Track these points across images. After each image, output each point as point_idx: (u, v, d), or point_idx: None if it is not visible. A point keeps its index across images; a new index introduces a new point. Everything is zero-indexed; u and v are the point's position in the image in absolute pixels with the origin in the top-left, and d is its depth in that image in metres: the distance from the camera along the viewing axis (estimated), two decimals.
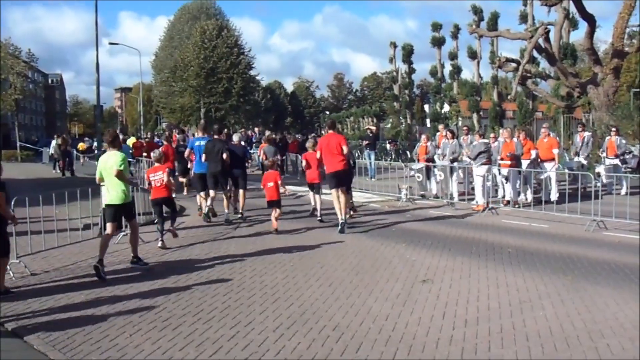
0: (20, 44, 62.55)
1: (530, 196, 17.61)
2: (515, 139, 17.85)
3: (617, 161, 19.44)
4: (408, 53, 49.15)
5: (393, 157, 32.25)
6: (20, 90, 57.78)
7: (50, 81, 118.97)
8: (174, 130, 40.06)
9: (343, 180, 14.19)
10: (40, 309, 8.20)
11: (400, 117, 49.83)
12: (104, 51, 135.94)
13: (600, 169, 18.77)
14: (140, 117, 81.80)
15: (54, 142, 34.87)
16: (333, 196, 14.00)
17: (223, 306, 8.31)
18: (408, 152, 34.10)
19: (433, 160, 19.98)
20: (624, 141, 20.72)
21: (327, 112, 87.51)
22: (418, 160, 20.82)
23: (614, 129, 20.58)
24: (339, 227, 13.73)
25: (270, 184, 14.08)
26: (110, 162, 10.28)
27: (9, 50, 56.28)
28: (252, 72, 75.86)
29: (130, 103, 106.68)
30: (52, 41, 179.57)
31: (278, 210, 14.23)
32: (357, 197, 19.66)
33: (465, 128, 21.90)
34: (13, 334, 7.22)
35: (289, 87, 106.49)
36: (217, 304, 8.38)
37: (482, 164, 16.93)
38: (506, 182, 17.18)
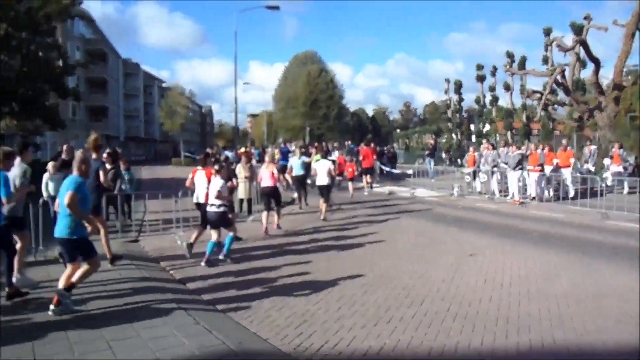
0: (185, 86, 65.63)
1: (551, 193, 17.58)
2: (539, 151, 17.87)
3: (620, 168, 19.02)
4: (458, 87, 48.71)
5: (447, 163, 32.18)
6: (184, 117, 60.48)
7: (203, 110, 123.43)
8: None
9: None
10: (230, 283, 7.70)
11: (453, 134, 49.47)
12: (240, 89, 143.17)
13: (607, 174, 18.46)
14: (264, 135, 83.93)
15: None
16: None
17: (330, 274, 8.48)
18: (459, 160, 33.98)
19: (478, 166, 20.02)
20: (624, 152, 20.27)
21: (398, 130, 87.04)
22: (467, 166, 20.96)
23: (617, 144, 20.16)
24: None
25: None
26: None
27: (178, 90, 59.17)
28: (343, 102, 76.57)
29: (257, 125, 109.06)
30: (205, 82, 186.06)
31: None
32: (421, 193, 20.05)
33: (502, 142, 21.79)
34: (215, 309, 6.51)
35: (370, 113, 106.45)
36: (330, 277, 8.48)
37: (517, 169, 17.07)
38: (534, 183, 17.17)
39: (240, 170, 13.94)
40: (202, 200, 9.72)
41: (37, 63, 28.82)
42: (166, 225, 11.68)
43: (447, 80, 50.37)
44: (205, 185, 9.66)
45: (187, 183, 10.49)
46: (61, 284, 6.10)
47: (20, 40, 28.51)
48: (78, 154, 6.46)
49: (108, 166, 11.80)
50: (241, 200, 14.41)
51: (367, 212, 15.30)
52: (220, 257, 8.92)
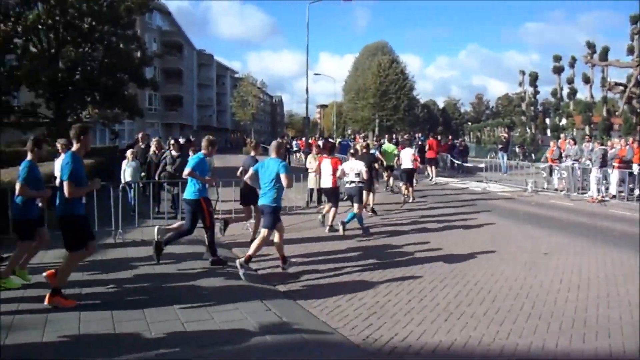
0: (256, 76, 66.82)
1: (636, 192, 16.28)
2: (627, 147, 16.94)
3: None
4: (534, 79, 46.89)
5: (521, 158, 31.18)
6: (256, 107, 61.66)
7: (274, 100, 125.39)
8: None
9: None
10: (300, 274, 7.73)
11: (527, 128, 47.76)
12: (310, 79, 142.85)
13: None
14: (333, 126, 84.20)
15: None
16: None
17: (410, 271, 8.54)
18: (533, 155, 32.87)
19: (560, 161, 19.33)
20: None
21: (470, 123, 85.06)
22: (547, 161, 20.29)
23: None
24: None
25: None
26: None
27: (250, 81, 60.31)
28: (414, 93, 75.45)
29: (327, 115, 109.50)
30: (275, 73, 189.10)
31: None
32: (493, 188, 19.61)
33: (587, 137, 20.85)
34: (286, 296, 6.62)
35: (441, 104, 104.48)
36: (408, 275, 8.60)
37: (600, 166, 16.29)
38: (616, 180, 16.33)
39: (311, 160, 14.12)
40: (329, 185, 11.31)
41: (118, 54, 30.17)
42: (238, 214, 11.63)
43: (522, 72, 48.60)
44: (330, 172, 11.24)
45: (314, 169, 12.63)
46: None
47: (103, 33, 29.93)
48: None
49: (175, 153, 12.24)
50: (311, 190, 14.58)
51: (438, 206, 15.16)
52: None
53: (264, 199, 7.58)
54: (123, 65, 30.22)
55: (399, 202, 15.53)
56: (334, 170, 11.20)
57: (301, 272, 7.78)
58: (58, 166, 9.74)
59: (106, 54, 30.42)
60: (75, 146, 5.79)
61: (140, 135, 15.36)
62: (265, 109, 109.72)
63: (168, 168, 11.95)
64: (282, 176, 7.33)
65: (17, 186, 6.32)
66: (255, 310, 5.81)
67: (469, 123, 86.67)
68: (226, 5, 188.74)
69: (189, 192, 7.91)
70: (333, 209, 11.14)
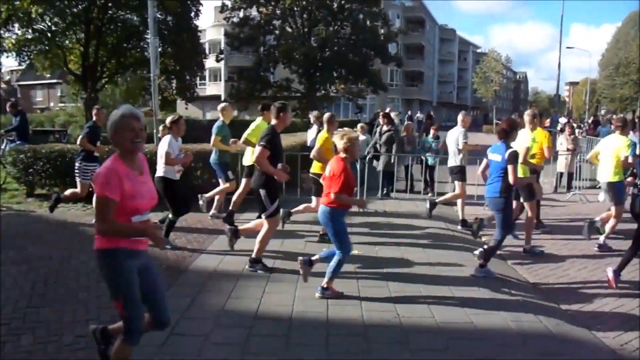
0: (500, 51, 63.87)
1: None
2: None
3: None
4: None
5: None
6: (499, 84, 59.31)
7: (518, 77, 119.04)
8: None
9: None
10: None
11: None
12: (557, 54, 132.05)
13: None
14: (585, 106, 76.76)
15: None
16: None
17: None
18: None
19: None
20: None
21: None
22: None
23: None
24: None
25: None
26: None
27: (493, 56, 58.15)
28: None
29: (576, 94, 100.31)
30: (519, 47, 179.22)
31: None
32: None
33: None
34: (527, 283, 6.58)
35: None
36: None
37: None
38: None
39: (562, 141, 13.16)
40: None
41: (364, 31, 31.61)
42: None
43: None
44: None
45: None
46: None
47: (351, 11, 31.58)
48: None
49: (385, 128, 12.18)
50: (560, 174, 13.45)
51: None
52: None
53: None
54: (369, 42, 31.58)
55: None
56: None
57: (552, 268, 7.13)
58: (311, 136, 10.67)
59: (353, 31, 32.11)
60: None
61: (379, 111, 15.87)
62: (508, 86, 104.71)
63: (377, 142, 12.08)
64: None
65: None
66: (500, 297, 5.58)
67: None
68: None
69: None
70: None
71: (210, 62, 40.31)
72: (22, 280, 5.61)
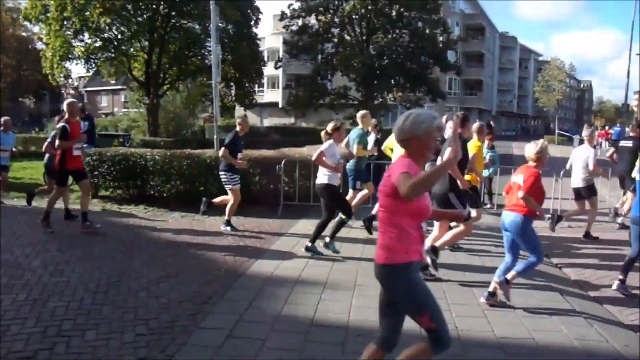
0: (564, 59, 62.11)
1: None
2: None
3: None
4: None
5: None
6: (562, 93, 57.52)
7: (582, 85, 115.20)
8: None
9: None
10: None
11: None
12: (626, 61, 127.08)
13: None
14: None
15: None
16: None
17: None
18: None
19: None
20: None
21: None
22: None
23: None
24: None
25: None
26: None
27: (556, 64, 56.50)
28: None
29: None
30: (583, 55, 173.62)
31: None
32: None
33: None
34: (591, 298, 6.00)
35: None
36: None
37: None
38: None
39: None
40: None
41: (423, 39, 31.37)
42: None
43: None
44: None
45: None
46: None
47: (410, 19, 31.43)
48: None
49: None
50: None
51: None
52: None
53: None
54: (427, 49, 31.31)
55: None
56: None
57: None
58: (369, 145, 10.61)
59: (412, 38, 31.91)
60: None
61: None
62: (572, 95, 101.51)
63: None
64: None
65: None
66: (561, 311, 5.35)
67: None
68: None
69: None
70: None
71: (268, 70, 40.94)
72: (87, 277, 5.80)
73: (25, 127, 54.19)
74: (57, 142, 7.75)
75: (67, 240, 7.46)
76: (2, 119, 10.28)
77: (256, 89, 36.32)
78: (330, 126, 7.25)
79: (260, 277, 6.00)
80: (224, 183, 8.25)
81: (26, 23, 35.19)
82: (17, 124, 58.85)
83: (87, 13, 25.39)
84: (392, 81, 32.21)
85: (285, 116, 48.21)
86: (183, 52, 29.20)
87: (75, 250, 6.89)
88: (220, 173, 8.27)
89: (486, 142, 10.98)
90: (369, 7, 31.69)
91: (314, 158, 6.96)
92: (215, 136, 12.05)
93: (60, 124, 7.80)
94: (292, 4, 33.96)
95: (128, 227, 8.53)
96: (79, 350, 4.07)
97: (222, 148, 8.17)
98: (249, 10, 30.81)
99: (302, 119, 38.14)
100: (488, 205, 11.31)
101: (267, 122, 53.51)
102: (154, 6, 27.28)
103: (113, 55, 28.50)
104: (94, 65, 30.04)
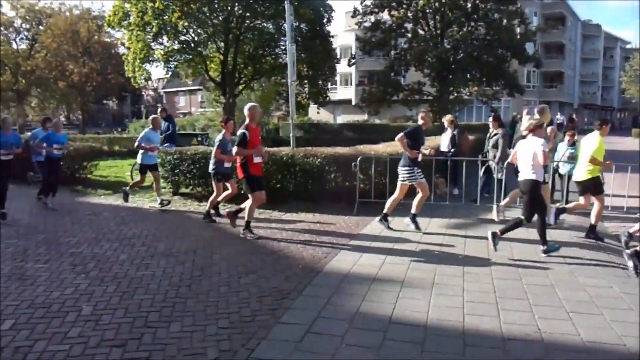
0: None
1: None
2: None
3: None
4: None
5: None
6: None
7: None
8: None
9: None
10: None
11: None
12: None
13: None
14: None
15: None
16: None
17: None
18: None
19: None
20: None
21: None
22: None
23: None
24: None
25: None
26: None
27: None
28: None
29: None
30: None
31: None
32: None
33: None
34: None
35: None
36: None
37: None
38: None
39: None
40: None
41: (500, 31, 30.44)
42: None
43: None
44: None
45: None
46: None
47: (486, 11, 30.56)
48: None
49: (492, 131, 10.90)
50: None
51: None
52: None
53: None
54: (505, 42, 30.38)
55: None
56: None
57: None
58: (445, 141, 10.44)
59: (488, 31, 31.05)
60: None
61: (516, 113, 15.15)
62: None
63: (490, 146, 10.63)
64: None
65: None
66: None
67: None
68: None
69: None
70: None
71: (341, 67, 41.00)
72: (171, 271, 6.05)
73: (109, 127, 57.15)
74: (234, 148, 7.60)
75: (152, 236, 7.81)
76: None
77: (329, 86, 36.48)
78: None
79: (337, 274, 6.03)
80: (404, 179, 8.02)
81: (109, 30, 37.01)
82: (101, 125, 62.55)
83: (166, 17, 26.42)
84: (468, 75, 31.43)
85: (358, 113, 48.12)
86: (257, 52, 29.79)
87: (159, 246, 7.19)
88: (401, 169, 8.04)
89: (567, 138, 10.52)
90: (443, 1, 31.09)
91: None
92: (290, 134, 12.18)
93: (241, 131, 7.53)
94: (364, 1, 33.84)
95: (208, 224, 8.79)
96: (165, 342, 4.25)
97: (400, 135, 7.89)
98: (321, 9, 31.01)
99: (375, 115, 37.92)
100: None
101: (340, 119, 53.61)
102: (229, 8, 27.98)
103: (190, 56, 29.47)
104: (172, 67, 31.19)
